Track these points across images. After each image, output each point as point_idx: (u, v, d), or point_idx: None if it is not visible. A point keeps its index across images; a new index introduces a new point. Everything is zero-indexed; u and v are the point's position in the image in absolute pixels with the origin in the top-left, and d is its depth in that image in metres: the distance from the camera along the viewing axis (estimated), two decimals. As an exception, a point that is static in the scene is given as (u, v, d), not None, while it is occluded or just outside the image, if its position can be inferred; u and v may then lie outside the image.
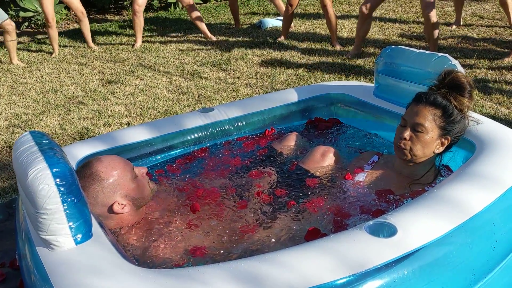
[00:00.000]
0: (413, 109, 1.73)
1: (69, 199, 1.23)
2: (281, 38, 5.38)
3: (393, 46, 2.17)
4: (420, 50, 2.06)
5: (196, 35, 5.94)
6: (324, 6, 4.86)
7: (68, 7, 7.14)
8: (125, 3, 7.80)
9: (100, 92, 4.08)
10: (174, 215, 1.67)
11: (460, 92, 1.70)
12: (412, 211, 1.35)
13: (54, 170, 1.23)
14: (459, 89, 1.70)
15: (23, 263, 1.41)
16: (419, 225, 1.29)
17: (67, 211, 1.23)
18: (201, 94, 3.90)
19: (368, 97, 2.27)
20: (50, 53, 5.36)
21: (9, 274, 1.89)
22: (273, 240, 1.54)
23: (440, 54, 1.97)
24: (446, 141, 1.73)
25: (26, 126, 3.42)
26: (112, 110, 3.64)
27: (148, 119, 3.47)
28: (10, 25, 4.74)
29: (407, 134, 1.71)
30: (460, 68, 1.88)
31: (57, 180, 1.22)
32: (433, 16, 4.20)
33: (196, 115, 2.21)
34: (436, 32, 4.30)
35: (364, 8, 4.42)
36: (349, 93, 2.36)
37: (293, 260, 1.19)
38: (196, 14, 5.51)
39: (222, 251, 1.51)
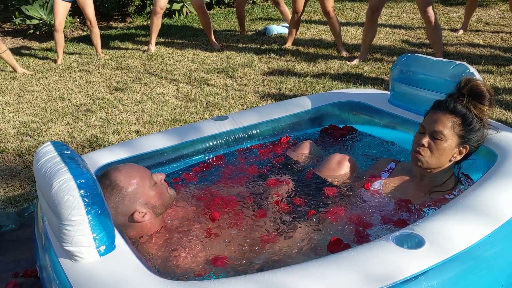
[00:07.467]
0: (432, 116, 1.72)
1: (93, 210, 1.22)
2: (287, 45, 5.39)
3: (409, 54, 2.17)
4: (437, 58, 2.05)
5: (201, 42, 5.94)
6: (326, 13, 4.86)
7: (73, 15, 7.16)
8: (129, 9, 7.81)
9: (107, 99, 4.07)
10: (193, 224, 1.65)
11: (480, 100, 1.69)
12: (439, 221, 1.33)
13: (79, 181, 1.22)
14: (479, 97, 1.69)
15: (45, 275, 1.39)
16: (446, 235, 1.28)
17: (92, 222, 1.23)
18: (209, 101, 3.89)
19: (384, 104, 2.26)
20: (55, 61, 5.36)
21: (23, 284, 1.87)
22: (294, 250, 1.53)
23: (457, 62, 1.97)
24: (464, 150, 1.72)
25: (35, 134, 3.41)
26: (121, 118, 3.63)
27: (157, 126, 3.46)
28: None
29: (425, 141, 1.70)
30: (478, 76, 1.88)
31: (82, 191, 1.21)
32: (432, 17, 4.12)
33: (210, 123, 2.20)
34: (439, 34, 4.21)
35: (370, 12, 4.41)
36: (364, 101, 2.35)
37: (321, 272, 1.18)
38: (206, 19, 5.51)
39: (243, 261, 1.49)
